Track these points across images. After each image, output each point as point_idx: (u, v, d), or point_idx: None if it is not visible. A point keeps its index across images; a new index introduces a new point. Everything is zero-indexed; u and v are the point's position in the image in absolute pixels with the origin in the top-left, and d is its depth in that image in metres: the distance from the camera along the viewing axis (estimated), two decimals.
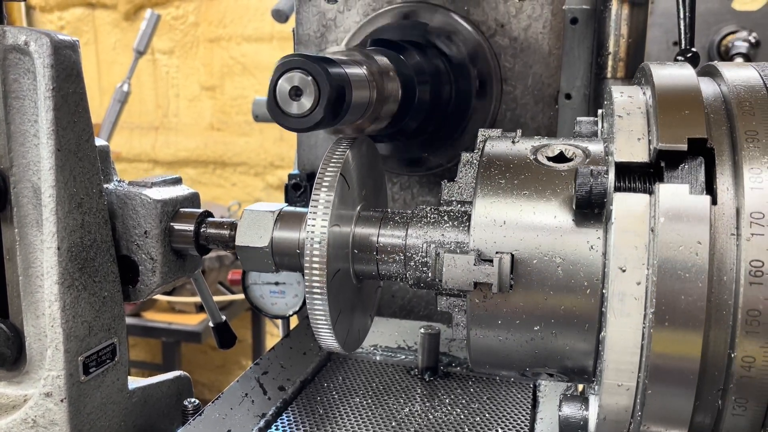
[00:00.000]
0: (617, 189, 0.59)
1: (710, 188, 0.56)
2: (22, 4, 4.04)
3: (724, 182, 0.57)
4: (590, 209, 0.61)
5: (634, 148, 0.59)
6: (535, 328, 0.64)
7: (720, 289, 0.54)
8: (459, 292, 0.68)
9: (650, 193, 0.57)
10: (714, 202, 0.56)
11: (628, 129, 0.60)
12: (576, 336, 0.63)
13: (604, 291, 0.60)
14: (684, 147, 0.56)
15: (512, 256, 0.63)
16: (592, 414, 0.63)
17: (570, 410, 0.65)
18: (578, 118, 0.76)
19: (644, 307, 0.55)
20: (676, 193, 0.55)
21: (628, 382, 0.57)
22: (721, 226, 0.55)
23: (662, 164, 0.57)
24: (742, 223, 0.54)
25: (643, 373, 0.56)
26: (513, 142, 0.72)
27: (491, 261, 0.63)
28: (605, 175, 0.60)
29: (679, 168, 0.57)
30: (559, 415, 0.65)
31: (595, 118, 0.76)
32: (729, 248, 0.55)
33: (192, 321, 3.24)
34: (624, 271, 0.56)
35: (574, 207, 0.62)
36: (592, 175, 0.60)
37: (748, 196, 0.54)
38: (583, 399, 0.66)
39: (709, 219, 0.54)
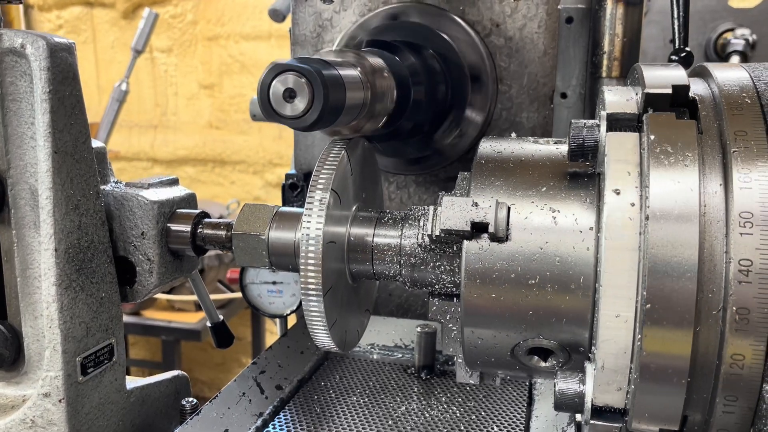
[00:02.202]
0: None
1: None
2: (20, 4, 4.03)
3: (708, 119, 0.61)
4: (583, 158, 0.64)
5: (624, 105, 0.63)
6: (531, 282, 0.63)
7: (708, 199, 0.56)
8: (455, 234, 0.67)
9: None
10: (700, 131, 0.59)
11: (618, 94, 0.65)
12: (572, 291, 0.62)
13: (599, 235, 0.60)
14: (669, 90, 0.60)
15: (509, 208, 0.65)
16: (589, 388, 0.61)
17: (566, 384, 0.63)
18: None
19: (639, 225, 0.56)
20: (665, 118, 0.59)
21: (626, 312, 0.56)
22: (707, 147, 0.58)
23: (650, 111, 0.61)
24: (728, 141, 0.58)
25: (641, 297, 0.55)
26: (509, 136, 0.76)
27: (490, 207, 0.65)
28: (597, 127, 0.64)
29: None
30: (555, 388, 0.64)
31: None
32: (716, 162, 0.58)
33: (191, 319, 3.25)
34: (618, 193, 0.58)
35: (567, 160, 0.65)
36: (585, 126, 0.64)
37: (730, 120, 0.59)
38: (579, 373, 0.65)
39: (696, 137, 0.58)
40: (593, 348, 0.61)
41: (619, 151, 0.60)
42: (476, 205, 0.65)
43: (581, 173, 0.66)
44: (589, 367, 0.61)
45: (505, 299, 0.65)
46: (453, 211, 0.65)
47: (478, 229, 0.64)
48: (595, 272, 0.62)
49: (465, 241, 0.65)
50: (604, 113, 0.63)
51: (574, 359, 0.67)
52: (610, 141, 0.61)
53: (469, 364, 0.72)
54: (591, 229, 0.62)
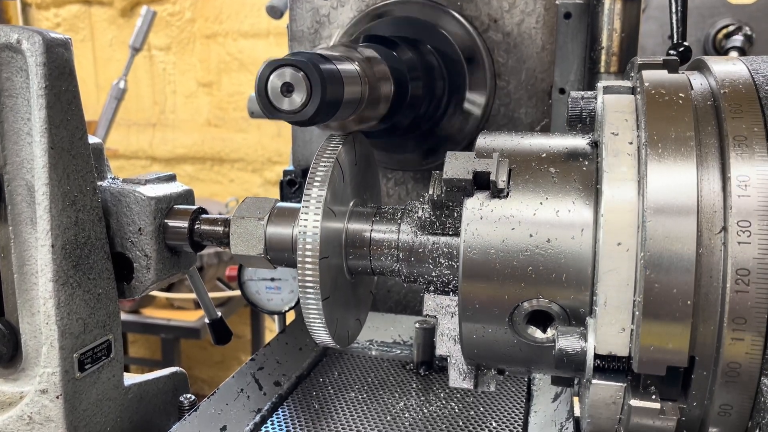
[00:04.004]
0: None
1: None
2: (18, 1, 4.03)
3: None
4: (581, 124, 0.69)
5: (620, 83, 0.67)
6: (531, 236, 0.63)
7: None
8: (457, 187, 0.67)
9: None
10: (691, 87, 0.62)
11: (615, 81, 0.69)
12: (572, 244, 0.62)
13: (599, 187, 0.61)
14: (659, 60, 0.65)
15: (510, 170, 0.66)
16: (591, 343, 0.60)
17: (566, 341, 0.61)
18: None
19: (637, 161, 0.59)
20: (658, 72, 0.64)
21: (627, 239, 0.57)
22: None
23: None
24: (719, 96, 0.61)
25: (641, 233, 0.56)
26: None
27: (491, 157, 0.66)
28: (594, 97, 0.68)
29: None
30: (555, 347, 0.61)
31: None
32: (709, 116, 0.61)
33: (191, 317, 3.24)
34: (617, 134, 0.61)
35: (566, 126, 0.69)
36: (582, 97, 0.68)
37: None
38: (581, 328, 0.63)
39: (687, 83, 0.61)
40: (595, 282, 0.60)
41: (617, 105, 0.63)
42: (479, 158, 0.66)
43: (580, 146, 0.68)
44: (591, 322, 0.60)
45: (505, 255, 0.64)
46: (456, 163, 0.66)
47: (480, 184, 0.65)
48: (595, 226, 0.62)
49: (466, 198, 0.66)
50: (600, 85, 0.66)
51: (575, 321, 0.65)
52: (607, 100, 0.64)
53: (466, 345, 0.69)
54: (591, 185, 0.64)
